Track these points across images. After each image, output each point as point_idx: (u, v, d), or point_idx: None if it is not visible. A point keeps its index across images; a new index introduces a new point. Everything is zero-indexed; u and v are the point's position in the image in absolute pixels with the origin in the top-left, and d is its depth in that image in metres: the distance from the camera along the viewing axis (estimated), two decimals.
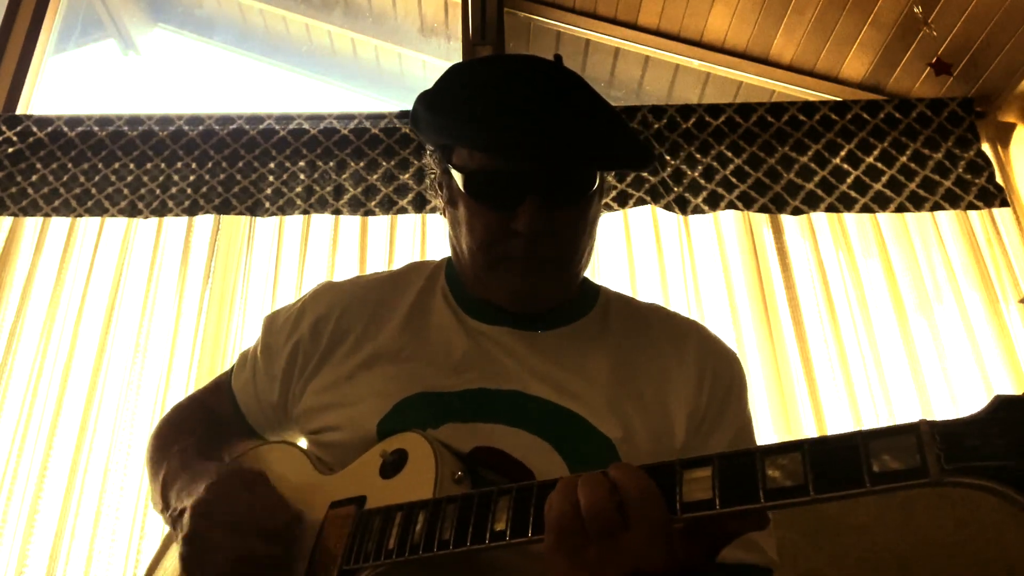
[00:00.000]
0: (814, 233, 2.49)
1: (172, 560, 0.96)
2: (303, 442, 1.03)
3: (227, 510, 0.83)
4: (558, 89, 0.92)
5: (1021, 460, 0.45)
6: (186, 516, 0.84)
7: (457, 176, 0.93)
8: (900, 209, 2.49)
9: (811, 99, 2.74)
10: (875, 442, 0.52)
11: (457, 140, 0.95)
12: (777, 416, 2.22)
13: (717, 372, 0.98)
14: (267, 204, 2.55)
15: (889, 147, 2.57)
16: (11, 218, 2.56)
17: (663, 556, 0.61)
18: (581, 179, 0.93)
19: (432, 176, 1.05)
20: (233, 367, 1.13)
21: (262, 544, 0.81)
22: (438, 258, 1.12)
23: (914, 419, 0.52)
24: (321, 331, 1.01)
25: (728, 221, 2.51)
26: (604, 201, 1.08)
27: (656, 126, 2.62)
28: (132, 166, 2.64)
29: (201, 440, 1.04)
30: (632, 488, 0.63)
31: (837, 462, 0.53)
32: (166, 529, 0.99)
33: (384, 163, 2.60)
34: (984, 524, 1.60)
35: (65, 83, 3.05)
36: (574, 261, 0.97)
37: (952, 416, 0.51)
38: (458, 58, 2.91)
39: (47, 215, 2.56)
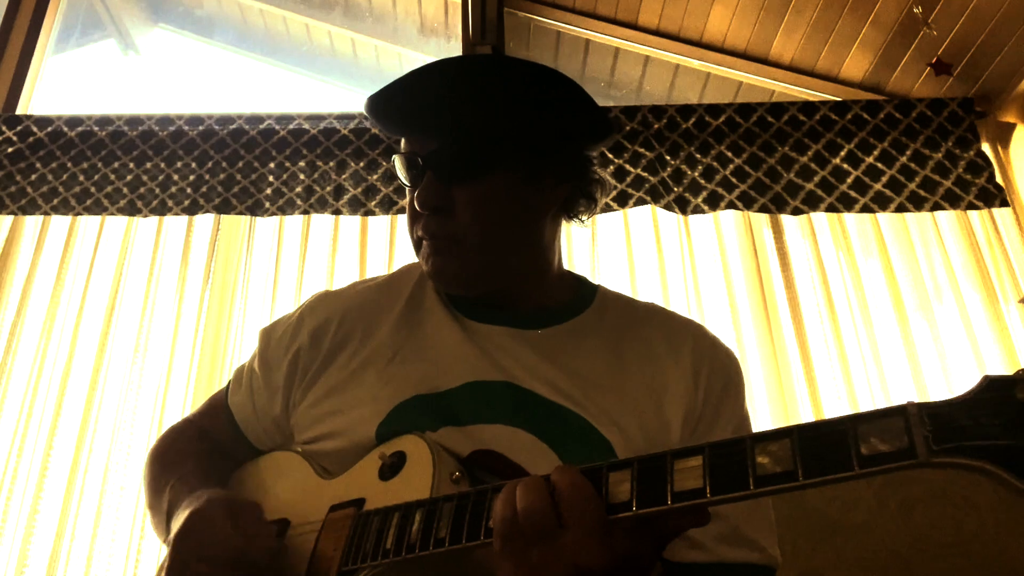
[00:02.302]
0: (814, 233, 2.49)
1: None
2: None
3: (205, 541, 0.82)
4: (465, 75, 0.96)
5: (1009, 439, 0.45)
6: (168, 547, 0.83)
7: None
8: (900, 209, 2.48)
9: (811, 99, 2.74)
10: (864, 425, 0.52)
11: (383, 129, 1.05)
12: (777, 416, 2.22)
13: (713, 370, 0.97)
14: (267, 204, 2.56)
15: (889, 147, 2.57)
16: (11, 217, 2.57)
17: (602, 552, 0.61)
18: (474, 155, 0.93)
19: None
20: (228, 385, 1.12)
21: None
22: None
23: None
24: (320, 339, 1.01)
25: (728, 221, 2.50)
26: (570, 196, 1.03)
27: (656, 126, 2.61)
28: (132, 166, 2.64)
29: (201, 465, 1.03)
30: (565, 488, 0.63)
31: (826, 447, 0.53)
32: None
33: (384, 163, 2.60)
34: (983, 524, 1.60)
35: (65, 83, 3.05)
36: (478, 241, 0.94)
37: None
38: None
39: (47, 214, 2.57)
